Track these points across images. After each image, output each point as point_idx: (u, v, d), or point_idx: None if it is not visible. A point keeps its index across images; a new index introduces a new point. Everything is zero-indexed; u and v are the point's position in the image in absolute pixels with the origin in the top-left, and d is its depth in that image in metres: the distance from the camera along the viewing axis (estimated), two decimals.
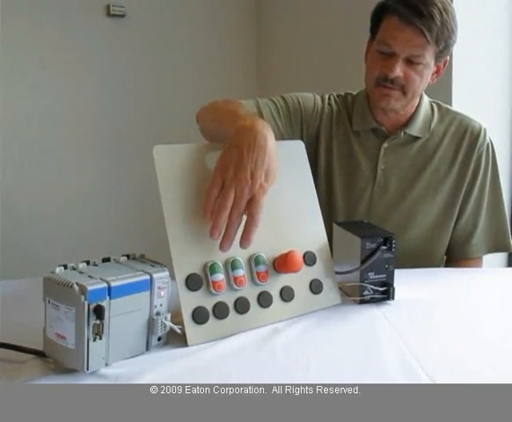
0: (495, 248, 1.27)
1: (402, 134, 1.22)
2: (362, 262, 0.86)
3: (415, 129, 1.23)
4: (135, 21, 2.45)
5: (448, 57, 1.18)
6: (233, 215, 0.75)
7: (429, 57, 1.11)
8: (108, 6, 2.37)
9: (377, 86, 1.15)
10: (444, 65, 1.19)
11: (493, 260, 1.64)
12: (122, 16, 2.40)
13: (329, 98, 1.29)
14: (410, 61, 1.11)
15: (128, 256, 0.75)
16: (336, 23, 2.16)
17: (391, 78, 1.12)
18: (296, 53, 2.44)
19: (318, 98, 1.28)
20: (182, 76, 2.57)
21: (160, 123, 2.50)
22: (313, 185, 0.94)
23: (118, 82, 2.44)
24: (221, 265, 0.79)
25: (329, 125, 1.26)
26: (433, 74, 1.17)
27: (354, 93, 1.30)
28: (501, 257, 1.83)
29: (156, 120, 2.51)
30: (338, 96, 1.31)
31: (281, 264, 0.83)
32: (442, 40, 1.09)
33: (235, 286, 0.79)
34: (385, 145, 1.23)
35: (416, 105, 1.23)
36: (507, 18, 1.83)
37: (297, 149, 0.96)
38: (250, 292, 0.81)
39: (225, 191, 0.75)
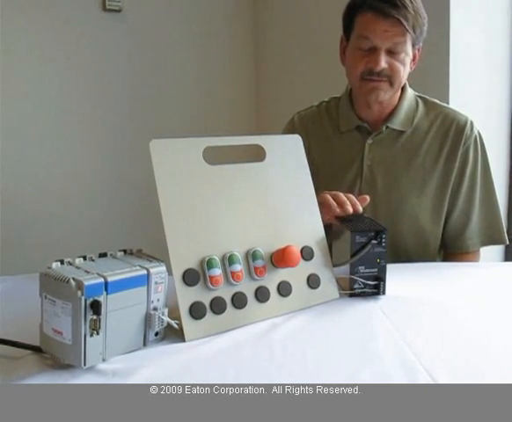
0: (490, 241, 1.27)
1: (384, 128, 1.23)
2: (352, 256, 0.86)
3: (397, 123, 1.24)
4: (131, 16, 2.43)
5: (421, 44, 1.20)
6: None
7: (408, 45, 1.14)
8: (104, 1, 2.34)
9: (363, 81, 1.17)
10: (418, 51, 1.21)
11: (490, 255, 1.64)
12: (118, 11, 2.38)
13: (299, 117, 1.36)
14: (391, 52, 1.14)
15: (124, 251, 0.75)
16: (332, 25, 2.15)
17: (377, 71, 1.14)
18: (293, 44, 2.43)
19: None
20: (179, 71, 2.56)
21: (157, 118, 2.49)
22: (310, 179, 0.94)
23: (114, 77, 2.42)
24: (218, 260, 0.79)
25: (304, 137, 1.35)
26: (410, 61, 1.19)
27: (339, 96, 1.33)
28: (497, 251, 1.84)
29: (153, 116, 2.49)
30: (319, 105, 1.36)
31: (279, 259, 0.82)
32: (418, 26, 1.13)
33: (232, 281, 0.79)
34: (369, 141, 1.24)
35: (398, 97, 1.24)
36: (504, 16, 1.83)
37: (295, 143, 0.95)
38: (247, 287, 0.80)
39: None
